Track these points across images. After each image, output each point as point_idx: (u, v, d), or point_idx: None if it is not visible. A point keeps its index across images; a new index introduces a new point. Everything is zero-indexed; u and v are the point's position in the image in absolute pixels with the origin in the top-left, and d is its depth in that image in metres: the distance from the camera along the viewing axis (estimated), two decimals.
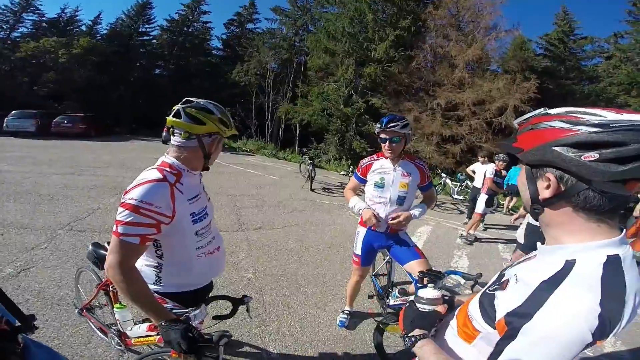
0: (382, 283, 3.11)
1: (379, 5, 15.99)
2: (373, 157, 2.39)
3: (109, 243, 1.84)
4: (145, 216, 1.16)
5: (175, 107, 1.33)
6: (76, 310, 2.01)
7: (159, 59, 26.41)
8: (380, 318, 2.38)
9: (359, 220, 2.50)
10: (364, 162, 2.41)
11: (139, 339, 1.58)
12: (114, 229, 1.17)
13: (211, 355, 1.19)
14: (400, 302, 2.29)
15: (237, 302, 1.48)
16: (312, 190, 8.43)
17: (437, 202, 8.45)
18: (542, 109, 0.74)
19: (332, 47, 16.13)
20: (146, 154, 11.51)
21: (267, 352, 2.31)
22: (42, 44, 20.50)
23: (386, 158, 2.29)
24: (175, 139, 1.33)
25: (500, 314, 0.72)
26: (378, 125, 2.20)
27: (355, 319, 2.84)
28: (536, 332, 0.62)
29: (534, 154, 0.70)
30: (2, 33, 23.41)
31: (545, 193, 0.70)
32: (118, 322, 1.70)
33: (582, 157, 0.62)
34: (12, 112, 14.68)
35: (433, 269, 1.93)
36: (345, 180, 10.39)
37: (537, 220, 0.76)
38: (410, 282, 3.11)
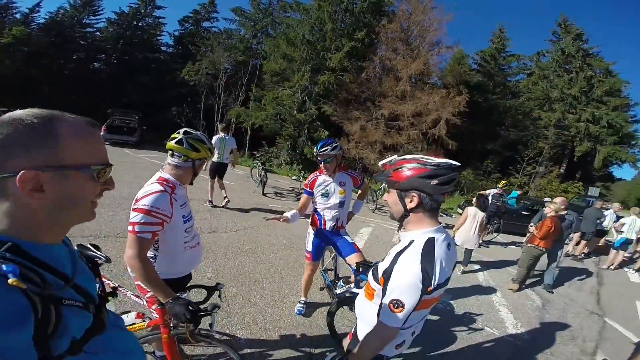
0: (331, 277, 3.65)
1: (339, 15, 16.57)
2: (316, 174, 2.97)
3: (92, 245, 2.10)
4: (154, 217, 1.56)
5: (177, 136, 1.74)
6: None
7: (101, 52, 24.53)
8: (330, 305, 2.89)
9: (310, 222, 3.07)
10: (309, 178, 2.98)
11: (128, 327, 1.87)
12: (130, 229, 1.54)
13: (205, 334, 1.64)
14: (344, 290, 2.85)
15: (211, 289, 1.75)
16: (264, 194, 8.63)
17: (377, 206, 9.30)
18: (396, 156, 1.33)
19: (291, 53, 16.29)
20: None
21: (236, 338, 2.68)
22: None
23: (327, 175, 2.87)
24: (173, 160, 1.75)
25: (380, 274, 1.29)
26: (314, 151, 2.79)
27: (310, 308, 3.33)
28: (394, 281, 1.20)
29: (406, 183, 1.25)
30: None
31: (410, 205, 1.26)
32: None
33: (431, 183, 1.21)
34: None
35: (366, 260, 2.51)
36: (296, 184, 10.82)
37: (401, 222, 1.33)
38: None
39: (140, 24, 25.39)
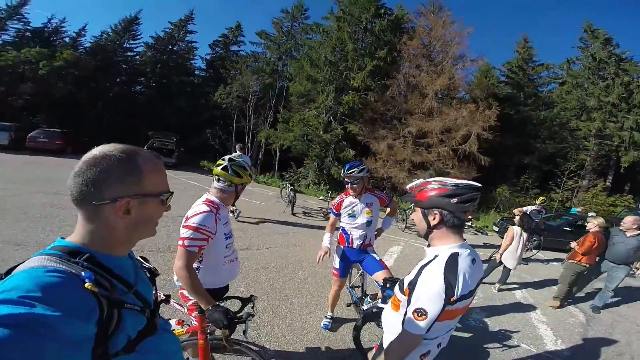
0: (358, 294, 3.67)
1: (359, 35, 16.94)
2: (342, 196, 3.10)
3: (141, 257, 2.30)
4: (202, 233, 1.76)
5: (223, 163, 1.97)
6: None
7: (141, 75, 26.16)
8: (357, 319, 2.92)
9: (337, 240, 3.16)
10: (336, 200, 3.12)
11: None
12: (180, 243, 1.74)
13: (237, 341, 1.77)
14: (371, 306, 2.86)
15: (246, 300, 1.86)
16: (294, 214, 8.85)
17: (408, 225, 9.15)
18: (422, 181, 1.43)
19: (314, 75, 16.70)
20: None
21: (265, 349, 2.76)
22: (23, 54, 19.90)
23: (353, 196, 2.96)
24: (219, 185, 1.98)
25: (405, 286, 1.37)
26: (342, 172, 2.90)
27: (336, 323, 3.38)
28: (418, 291, 1.27)
29: (428, 202, 1.36)
30: None
31: (433, 222, 1.36)
32: None
33: (451, 201, 1.31)
34: None
35: (394, 276, 2.53)
36: (323, 204, 10.93)
37: (427, 238, 1.43)
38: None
39: (175, 48, 26.83)
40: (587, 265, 4.72)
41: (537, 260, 7.97)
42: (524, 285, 5.71)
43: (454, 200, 1.30)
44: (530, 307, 4.74)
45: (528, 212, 7.54)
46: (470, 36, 16.18)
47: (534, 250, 8.20)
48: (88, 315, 0.66)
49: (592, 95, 19.86)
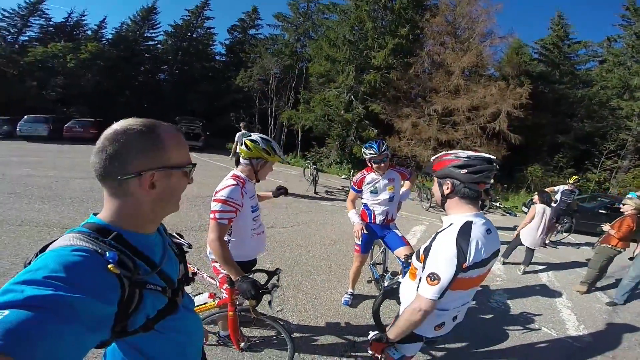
0: (379, 271, 3.73)
1: (378, 13, 16.34)
2: (364, 172, 3.07)
3: (177, 234, 2.43)
4: (230, 205, 1.87)
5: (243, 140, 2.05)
6: None
7: (164, 64, 26.76)
8: (377, 296, 2.99)
9: (360, 216, 3.13)
10: (357, 177, 3.10)
11: (199, 307, 2.13)
12: (212, 216, 1.85)
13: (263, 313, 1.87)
14: (392, 282, 2.92)
15: (271, 273, 1.95)
16: (316, 193, 9.00)
17: (432, 204, 9.05)
18: (442, 153, 1.47)
19: (333, 55, 16.40)
20: None
21: (288, 322, 2.93)
22: (50, 48, 20.87)
23: (376, 173, 2.96)
24: (241, 160, 2.08)
25: (421, 252, 1.41)
26: (372, 152, 2.83)
27: (356, 299, 3.46)
28: (432, 256, 1.31)
29: (442, 172, 1.41)
30: (10, 37, 23.58)
31: (446, 191, 1.40)
32: None
33: (461, 171, 1.35)
34: (25, 116, 14.70)
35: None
36: (345, 183, 10.97)
37: (444, 208, 1.46)
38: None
39: (194, 35, 27.11)
40: (622, 250, 4.53)
41: (568, 244, 7.69)
42: (551, 268, 5.57)
43: (464, 170, 1.34)
44: (555, 291, 4.63)
45: (559, 192, 7.26)
46: (499, 12, 15.18)
47: (564, 233, 7.91)
48: (110, 296, 0.65)
49: (636, 74, 18.37)
